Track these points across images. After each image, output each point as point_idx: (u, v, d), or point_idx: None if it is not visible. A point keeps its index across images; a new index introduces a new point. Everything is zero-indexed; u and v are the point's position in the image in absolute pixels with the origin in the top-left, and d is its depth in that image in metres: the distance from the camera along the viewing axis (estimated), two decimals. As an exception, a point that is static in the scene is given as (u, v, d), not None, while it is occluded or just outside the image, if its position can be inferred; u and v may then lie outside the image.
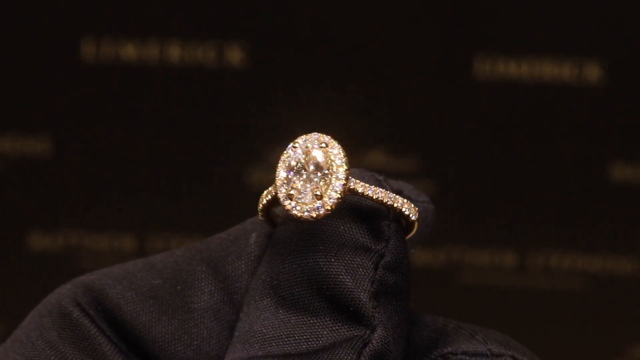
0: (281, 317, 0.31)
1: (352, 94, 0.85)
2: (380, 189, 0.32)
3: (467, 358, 0.32)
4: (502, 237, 0.87)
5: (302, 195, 0.32)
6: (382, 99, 0.86)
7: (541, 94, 0.85)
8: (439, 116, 0.86)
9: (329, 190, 0.31)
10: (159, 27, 0.85)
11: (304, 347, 0.31)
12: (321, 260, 0.31)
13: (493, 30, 0.85)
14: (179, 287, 0.33)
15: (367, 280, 0.31)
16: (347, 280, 0.31)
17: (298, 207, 0.31)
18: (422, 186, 0.86)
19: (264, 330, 0.31)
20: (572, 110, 0.85)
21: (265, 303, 0.32)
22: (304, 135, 0.32)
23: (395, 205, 0.32)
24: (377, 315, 0.31)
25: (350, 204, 0.32)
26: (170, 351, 0.33)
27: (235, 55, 0.86)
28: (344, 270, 0.31)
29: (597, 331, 0.88)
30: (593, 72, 0.85)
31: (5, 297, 0.88)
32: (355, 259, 0.31)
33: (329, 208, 0.31)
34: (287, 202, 0.32)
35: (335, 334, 0.31)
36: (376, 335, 0.31)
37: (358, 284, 0.31)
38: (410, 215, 0.33)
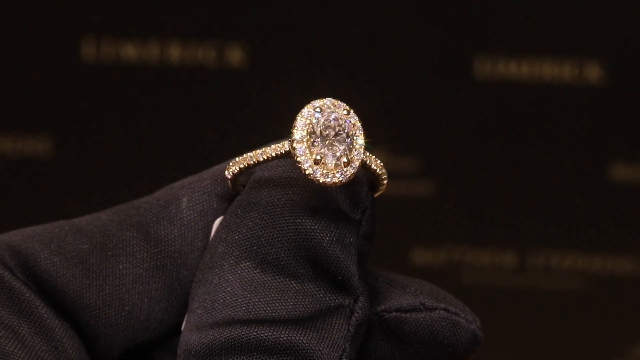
0: (264, 281, 0.31)
1: (352, 94, 0.85)
2: (375, 157, 0.33)
3: (402, 315, 0.33)
4: (502, 237, 0.87)
5: (325, 161, 0.32)
6: (382, 99, 0.86)
7: (541, 94, 0.85)
8: (439, 116, 0.86)
9: (352, 158, 0.32)
10: (159, 27, 0.85)
11: (293, 313, 0.30)
12: (313, 227, 0.31)
13: (493, 30, 0.85)
14: (109, 253, 0.33)
15: (354, 249, 0.32)
16: (337, 249, 0.31)
17: (320, 172, 0.31)
18: (422, 186, 0.86)
19: (248, 295, 0.31)
20: (572, 110, 0.85)
21: (244, 266, 0.31)
22: (321, 100, 0.32)
23: (383, 174, 0.33)
24: (360, 285, 0.31)
25: None
26: (102, 317, 0.33)
27: (235, 55, 0.86)
28: (335, 239, 0.31)
29: (597, 331, 0.88)
30: (593, 72, 0.85)
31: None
32: (341, 228, 0.32)
33: (350, 176, 0.31)
34: (308, 166, 0.31)
35: (321, 302, 0.31)
36: (360, 304, 0.31)
37: (347, 254, 0.31)
38: (384, 178, 0.33)
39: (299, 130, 0.32)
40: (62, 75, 0.86)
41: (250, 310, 0.31)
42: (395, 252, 0.87)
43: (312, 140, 0.32)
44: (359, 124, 0.32)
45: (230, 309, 0.31)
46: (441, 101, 0.85)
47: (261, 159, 0.32)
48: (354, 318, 0.31)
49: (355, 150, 0.32)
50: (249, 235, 0.32)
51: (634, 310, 0.88)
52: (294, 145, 0.31)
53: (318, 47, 0.85)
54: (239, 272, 0.31)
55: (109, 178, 0.87)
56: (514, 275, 0.88)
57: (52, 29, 0.85)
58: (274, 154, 0.32)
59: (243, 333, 0.30)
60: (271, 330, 0.30)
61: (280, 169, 0.32)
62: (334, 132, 0.32)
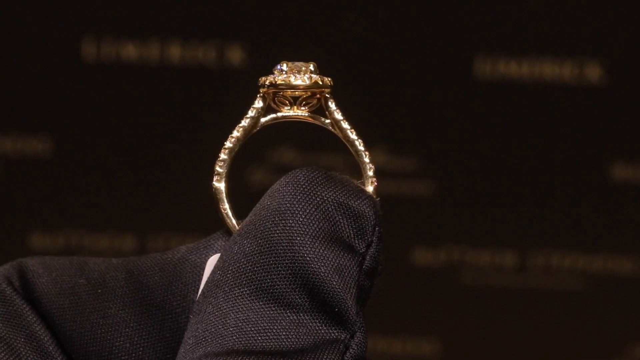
0: (258, 309, 0.30)
1: (352, 94, 0.86)
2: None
3: None
4: (502, 237, 0.87)
5: (288, 74, 0.33)
6: (383, 98, 0.86)
7: (541, 94, 0.85)
8: (439, 116, 0.86)
9: (318, 76, 0.33)
10: (159, 27, 0.85)
11: (284, 344, 0.30)
12: (309, 256, 0.31)
13: (493, 30, 0.85)
14: (99, 291, 0.33)
15: (353, 283, 0.31)
16: (335, 280, 0.30)
17: (285, 75, 0.32)
18: (422, 186, 0.86)
19: (240, 324, 0.30)
20: (572, 110, 0.85)
21: (238, 293, 0.31)
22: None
23: (345, 125, 0.34)
24: (358, 320, 0.31)
25: (336, 202, 0.32)
26: (81, 352, 0.33)
27: (235, 55, 0.86)
28: (331, 270, 0.31)
29: (597, 331, 0.88)
30: (594, 72, 0.85)
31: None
32: (341, 260, 0.31)
33: (319, 83, 0.33)
34: (268, 77, 0.33)
35: (315, 334, 0.30)
36: (356, 340, 0.31)
37: (345, 286, 0.31)
38: (354, 138, 0.35)
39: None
40: (62, 75, 0.86)
41: (240, 339, 0.30)
42: (395, 252, 0.87)
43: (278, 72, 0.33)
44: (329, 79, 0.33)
45: (221, 339, 0.30)
46: (441, 101, 0.85)
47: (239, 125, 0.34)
48: (348, 354, 0.30)
49: (323, 77, 0.33)
50: (245, 262, 0.31)
51: (634, 310, 0.88)
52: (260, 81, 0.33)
53: (318, 47, 0.85)
54: (233, 299, 0.31)
55: (109, 178, 0.87)
56: (514, 275, 0.88)
57: (52, 29, 0.85)
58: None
59: None
60: None
61: (281, 198, 0.32)
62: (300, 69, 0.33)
